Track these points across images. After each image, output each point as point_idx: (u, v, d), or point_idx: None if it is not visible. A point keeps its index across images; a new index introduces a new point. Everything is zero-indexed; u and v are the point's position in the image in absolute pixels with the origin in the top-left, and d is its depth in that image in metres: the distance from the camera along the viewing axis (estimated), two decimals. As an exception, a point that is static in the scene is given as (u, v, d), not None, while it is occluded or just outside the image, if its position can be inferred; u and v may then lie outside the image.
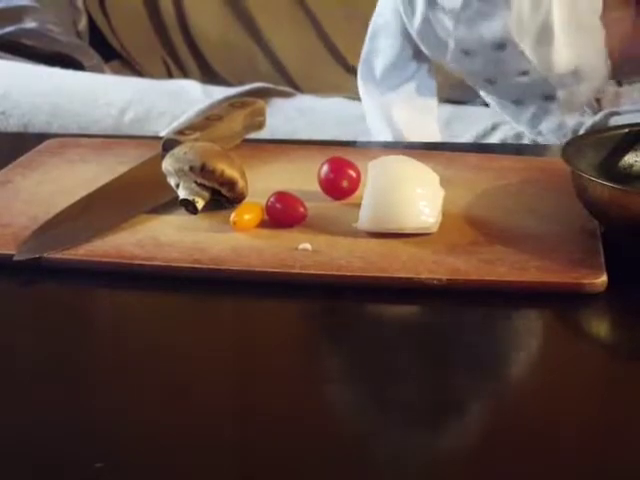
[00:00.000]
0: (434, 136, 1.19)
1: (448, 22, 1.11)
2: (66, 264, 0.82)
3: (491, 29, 1.10)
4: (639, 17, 1.19)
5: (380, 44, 1.20)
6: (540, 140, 1.20)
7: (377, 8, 1.21)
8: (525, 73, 1.12)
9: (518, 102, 1.17)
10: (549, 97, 1.15)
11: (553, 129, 1.16)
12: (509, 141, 1.21)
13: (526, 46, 1.11)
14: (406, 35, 1.18)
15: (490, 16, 1.09)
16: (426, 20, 1.13)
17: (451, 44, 1.12)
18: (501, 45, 1.09)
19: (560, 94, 1.14)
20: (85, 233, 0.85)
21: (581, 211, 0.85)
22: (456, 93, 1.38)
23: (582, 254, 0.81)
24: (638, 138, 0.91)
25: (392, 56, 1.19)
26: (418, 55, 1.19)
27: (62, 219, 0.88)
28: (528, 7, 1.09)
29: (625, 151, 0.91)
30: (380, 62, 1.20)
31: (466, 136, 1.25)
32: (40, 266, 0.82)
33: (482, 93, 1.23)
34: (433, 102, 1.21)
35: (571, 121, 1.20)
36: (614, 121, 1.25)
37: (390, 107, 1.19)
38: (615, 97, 1.50)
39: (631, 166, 0.91)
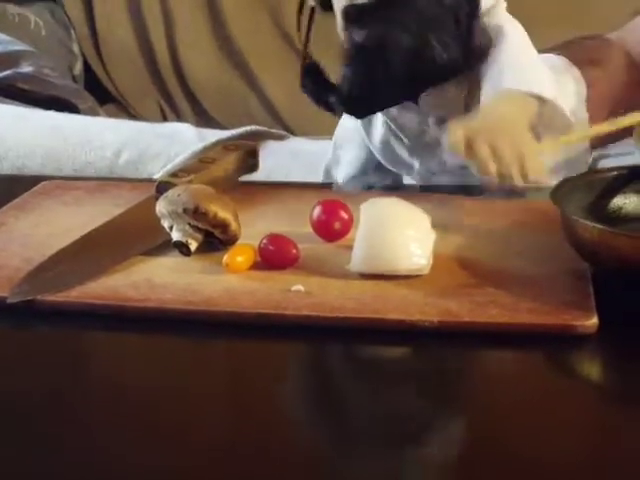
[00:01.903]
0: None
1: (406, 150, 1.09)
2: (60, 306, 0.82)
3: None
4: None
5: (342, 155, 1.17)
6: None
7: (340, 119, 1.18)
8: None
9: None
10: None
11: None
12: None
13: None
14: (369, 149, 1.14)
15: None
16: (386, 142, 1.11)
17: (416, 164, 1.10)
18: (464, 166, 1.05)
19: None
20: (79, 275, 0.85)
21: (571, 253, 0.85)
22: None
23: (573, 296, 0.82)
24: (626, 181, 0.92)
25: (355, 167, 1.15)
26: (380, 168, 1.15)
27: (56, 261, 0.88)
28: None
29: (614, 193, 0.92)
30: (342, 172, 1.17)
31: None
32: (34, 309, 0.82)
33: None
34: None
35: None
36: (603, 163, 1.25)
37: None
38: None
39: (620, 208, 0.92)
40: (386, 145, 1.11)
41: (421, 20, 0.98)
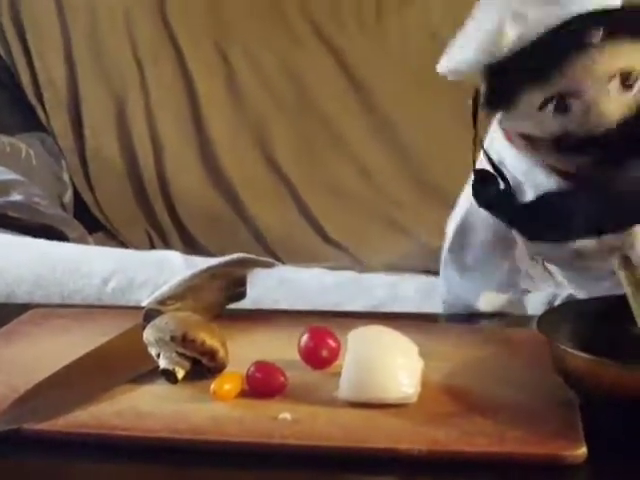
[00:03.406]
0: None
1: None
2: (46, 435, 0.81)
3: None
4: None
5: (470, 238, 1.15)
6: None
7: (469, 207, 1.13)
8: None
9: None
10: None
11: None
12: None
13: None
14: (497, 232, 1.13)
15: None
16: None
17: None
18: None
19: None
20: (65, 403, 0.85)
21: (559, 381, 0.85)
22: (434, 264, 1.40)
23: (561, 425, 0.81)
24: (612, 309, 0.93)
25: (483, 251, 1.14)
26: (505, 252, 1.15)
27: (42, 389, 0.88)
28: None
29: (599, 322, 0.92)
30: (471, 255, 1.15)
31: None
32: (20, 437, 0.81)
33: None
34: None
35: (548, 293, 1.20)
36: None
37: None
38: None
39: (606, 337, 0.92)
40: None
41: None
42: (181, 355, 0.89)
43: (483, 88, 1.01)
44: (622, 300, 0.93)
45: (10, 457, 0.80)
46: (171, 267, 1.46)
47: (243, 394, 0.87)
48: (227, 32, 2.40)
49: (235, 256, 1.46)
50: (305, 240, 2.22)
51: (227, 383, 0.87)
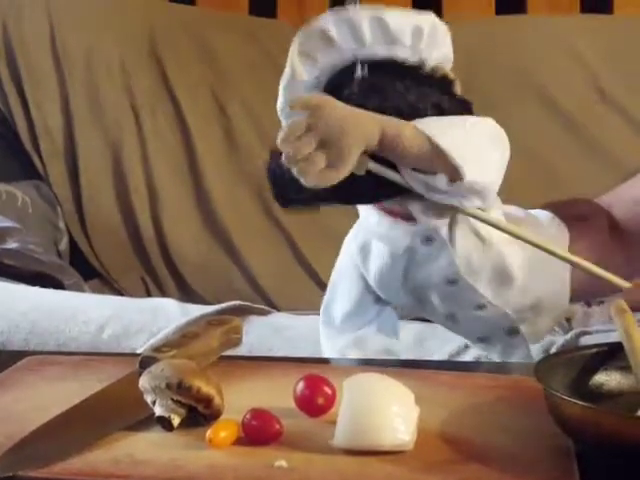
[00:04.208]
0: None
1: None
2: (41, 482, 0.81)
3: (439, 268, 1.12)
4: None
5: (339, 291, 1.21)
6: None
7: (337, 263, 1.22)
8: (481, 307, 1.13)
9: (484, 339, 1.17)
10: (512, 331, 1.15)
11: (524, 358, 1.17)
12: (482, 359, 1.22)
13: (479, 283, 1.12)
14: (366, 282, 1.18)
15: (435, 257, 1.12)
16: (381, 273, 1.15)
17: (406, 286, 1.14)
18: (452, 281, 1.11)
19: (522, 328, 1.15)
20: (60, 451, 0.85)
21: (555, 429, 0.85)
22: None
23: (557, 473, 0.81)
24: (607, 357, 0.93)
25: (352, 302, 1.19)
26: (379, 299, 1.19)
27: (37, 437, 0.87)
28: (474, 249, 1.11)
29: (595, 370, 0.93)
30: (339, 308, 1.20)
31: (439, 353, 1.26)
32: (14, 484, 0.81)
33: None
34: (393, 341, 1.20)
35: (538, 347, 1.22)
36: (585, 340, 1.27)
37: (347, 351, 1.19)
38: (585, 317, 1.53)
39: (602, 385, 0.92)
40: (381, 276, 1.14)
41: None
42: (177, 402, 0.89)
43: None
44: (619, 347, 0.93)
45: (5, 505, 0.80)
46: (167, 314, 1.46)
47: (239, 442, 0.86)
48: (224, 83, 2.42)
49: (230, 304, 1.47)
50: (300, 287, 2.23)
51: (223, 430, 0.87)
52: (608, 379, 0.92)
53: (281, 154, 1.03)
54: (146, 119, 2.38)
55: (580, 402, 0.82)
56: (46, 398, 0.97)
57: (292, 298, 2.14)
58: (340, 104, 1.03)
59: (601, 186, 1.38)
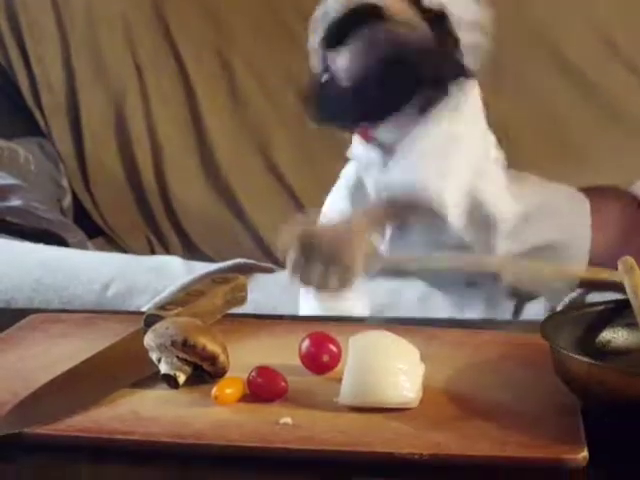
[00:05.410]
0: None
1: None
2: (46, 439, 0.81)
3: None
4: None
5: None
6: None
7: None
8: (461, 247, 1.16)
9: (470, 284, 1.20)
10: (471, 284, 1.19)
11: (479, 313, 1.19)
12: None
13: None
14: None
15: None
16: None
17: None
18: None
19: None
20: (66, 408, 0.85)
21: (560, 386, 0.85)
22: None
23: (562, 429, 0.81)
24: (614, 314, 0.93)
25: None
26: None
27: (43, 394, 0.88)
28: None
29: (602, 327, 0.92)
30: None
31: (444, 311, 1.26)
32: (20, 441, 0.81)
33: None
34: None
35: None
36: (591, 297, 1.26)
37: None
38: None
39: (608, 342, 0.92)
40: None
41: None
42: (182, 360, 0.89)
43: None
44: (625, 304, 0.93)
45: (11, 461, 0.80)
46: (171, 272, 1.46)
47: (244, 399, 0.87)
48: (229, 41, 2.40)
49: (235, 261, 1.47)
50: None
51: (228, 388, 0.87)
52: (615, 336, 0.92)
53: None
54: (149, 75, 2.36)
55: (586, 359, 0.82)
56: (50, 356, 0.97)
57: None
58: (322, 228, 1.11)
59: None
